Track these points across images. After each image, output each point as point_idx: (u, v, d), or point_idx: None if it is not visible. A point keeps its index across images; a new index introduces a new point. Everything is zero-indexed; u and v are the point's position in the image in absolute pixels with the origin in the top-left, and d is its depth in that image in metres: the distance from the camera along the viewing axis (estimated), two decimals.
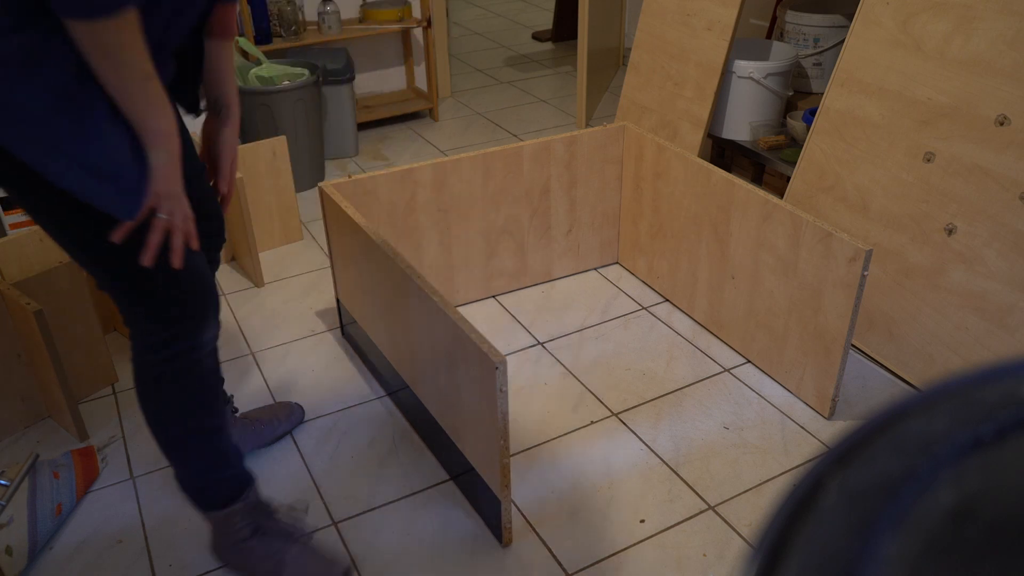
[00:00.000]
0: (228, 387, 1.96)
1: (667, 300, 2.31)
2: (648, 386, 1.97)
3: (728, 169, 2.89)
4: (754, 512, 1.62)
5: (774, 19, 3.07)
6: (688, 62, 2.61)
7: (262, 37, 3.07)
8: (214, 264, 1.53)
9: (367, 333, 1.97)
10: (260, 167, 2.48)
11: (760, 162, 2.70)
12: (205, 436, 1.37)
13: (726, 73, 2.60)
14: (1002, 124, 1.72)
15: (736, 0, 2.43)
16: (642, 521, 1.61)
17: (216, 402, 1.38)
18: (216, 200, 1.49)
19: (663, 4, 2.69)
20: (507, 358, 1.96)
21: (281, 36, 3.16)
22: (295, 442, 1.82)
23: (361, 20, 3.37)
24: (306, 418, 1.89)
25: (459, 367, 1.50)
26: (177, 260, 1.16)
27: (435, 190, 2.10)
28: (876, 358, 2.01)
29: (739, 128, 2.73)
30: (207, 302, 1.29)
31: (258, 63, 2.92)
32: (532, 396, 1.95)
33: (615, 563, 1.52)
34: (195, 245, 1.19)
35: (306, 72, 2.92)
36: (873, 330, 2.00)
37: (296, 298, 2.36)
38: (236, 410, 1.77)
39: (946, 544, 0.22)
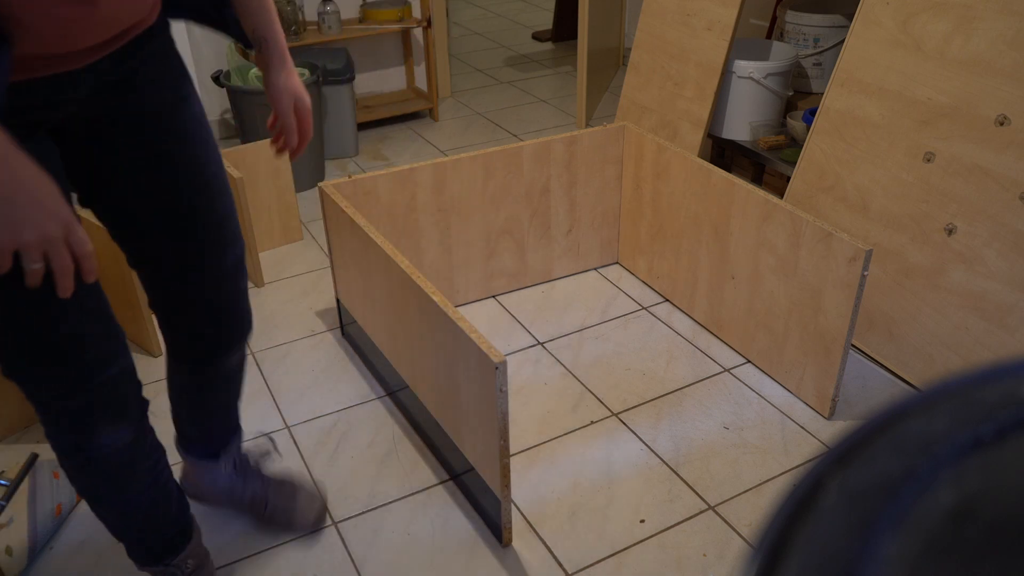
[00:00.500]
0: None
1: (667, 300, 2.31)
2: (648, 386, 1.97)
3: (728, 169, 2.89)
4: (754, 512, 1.62)
5: (774, 19, 3.07)
6: (688, 62, 2.61)
7: None
8: (221, 362, 1.35)
9: (367, 333, 1.97)
10: (260, 167, 2.48)
11: (760, 162, 2.70)
12: (117, 513, 1.28)
13: (726, 73, 2.60)
14: (1002, 124, 1.72)
15: (736, 0, 2.43)
16: (642, 521, 1.61)
17: (131, 487, 1.24)
18: (244, 298, 1.31)
19: (663, 4, 2.69)
20: (507, 358, 1.96)
21: None
22: (295, 442, 1.82)
23: (361, 20, 3.37)
24: (306, 418, 1.89)
25: (459, 367, 1.50)
26: (66, 293, 0.97)
27: (435, 190, 2.10)
28: (876, 358, 2.01)
29: (739, 128, 2.73)
30: (95, 416, 1.14)
31: None
32: (532, 396, 1.95)
33: (615, 563, 1.52)
34: (89, 278, 0.98)
35: (306, 72, 2.92)
36: (873, 330, 2.00)
37: (296, 298, 2.36)
38: (270, 454, 1.68)
39: (946, 544, 0.22)
